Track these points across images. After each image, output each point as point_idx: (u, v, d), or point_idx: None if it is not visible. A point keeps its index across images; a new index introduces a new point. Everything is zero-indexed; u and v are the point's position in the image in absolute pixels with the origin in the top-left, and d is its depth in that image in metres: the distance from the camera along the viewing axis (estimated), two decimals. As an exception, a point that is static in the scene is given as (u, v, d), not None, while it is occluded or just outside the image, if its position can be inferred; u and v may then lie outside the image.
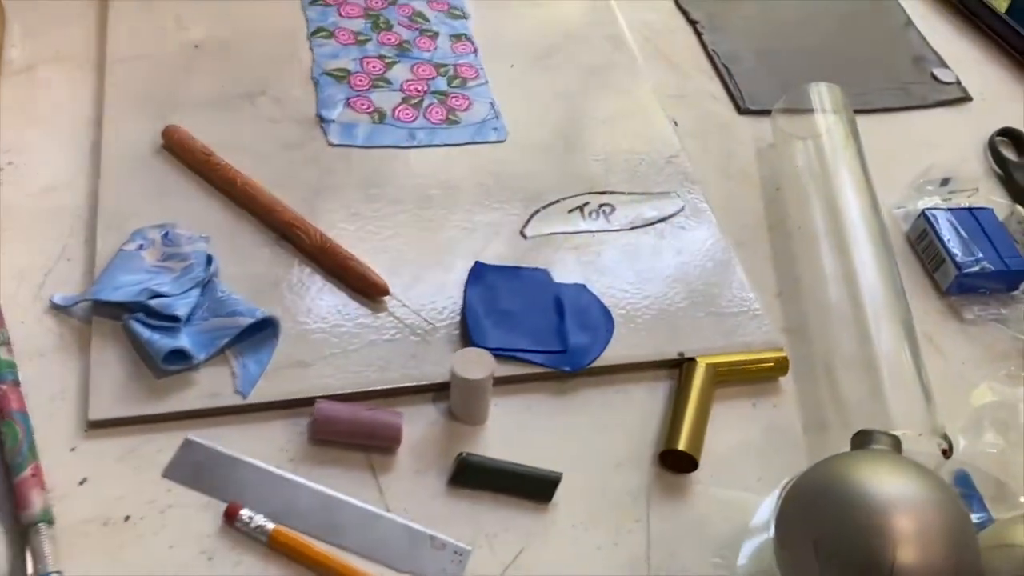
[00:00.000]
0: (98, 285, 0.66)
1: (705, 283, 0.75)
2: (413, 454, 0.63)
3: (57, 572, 0.54)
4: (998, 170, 0.93)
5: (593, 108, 0.89)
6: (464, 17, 0.95)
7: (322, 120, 0.82)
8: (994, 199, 0.87)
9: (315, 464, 0.62)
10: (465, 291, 0.71)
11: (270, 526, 0.57)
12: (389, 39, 0.90)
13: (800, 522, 0.53)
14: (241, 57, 0.86)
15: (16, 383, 0.62)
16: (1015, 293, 0.80)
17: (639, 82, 0.93)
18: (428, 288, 0.71)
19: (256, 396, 0.63)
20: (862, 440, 0.59)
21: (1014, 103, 1.01)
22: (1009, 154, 0.94)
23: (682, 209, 0.81)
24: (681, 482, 0.64)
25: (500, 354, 0.67)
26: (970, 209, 0.83)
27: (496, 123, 0.85)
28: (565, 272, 0.74)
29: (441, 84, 0.87)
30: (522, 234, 0.77)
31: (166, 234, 0.69)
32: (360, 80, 0.86)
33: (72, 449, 0.60)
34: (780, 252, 0.81)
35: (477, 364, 0.62)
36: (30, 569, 0.54)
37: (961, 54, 1.06)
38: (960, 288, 0.79)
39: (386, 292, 0.69)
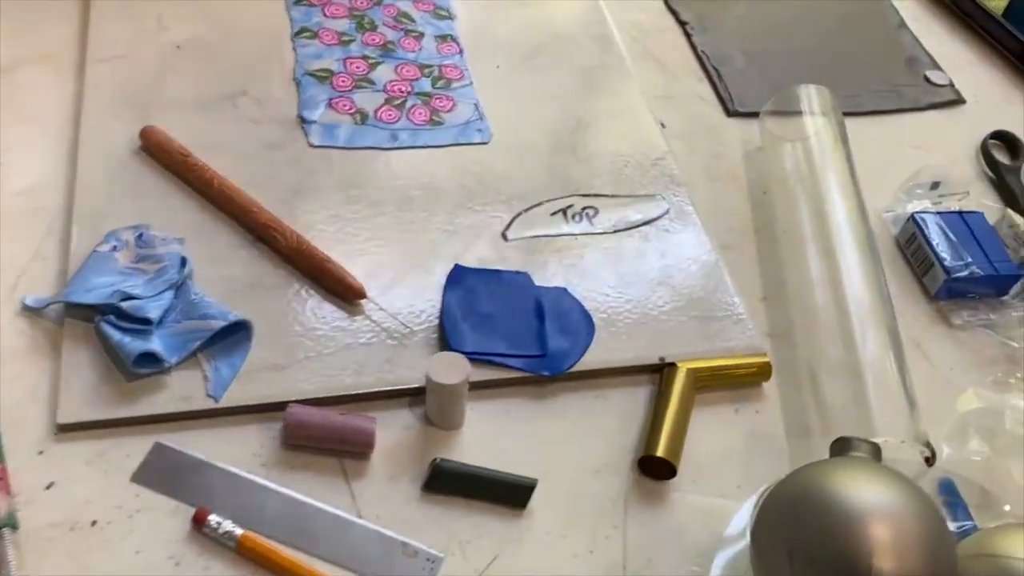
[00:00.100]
0: (70, 287, 0.65)
1: (689, 287, 0.74)
2: (387, 459, 0.62)
3: (20, 578, 0.53)
4: (990, 173, 0.91)
5: (579, 109, 0.88)
6: (450, 18, 0.95)
7: (303, 121, 0.81)
8: (985, 203, 0.86)
9: (287, 469, 0.61)
10: (444, 294, 0.70)
11: (238, 532, 0.56)
12: (373, 39, 0.90)
13: (775, 531, 0.52)
14: (223, 57, 0.86)
15: (-15, 386, 0.61)
16: (1005, 298, 0.79)
17: (627, 83, 0.92)
18: (407, 291, 0.71)
19: (228, 400, 0.62)
20: (841, 447, 0.58)
21: (1008, 106, 1.00)
22: (1002, 157, 0.93)
23: (667, 212, 0.80)
24: (660, 489, 0.63)
25: (478, 358, 0.66)
26: (960, 213, 0.82)
27: (480, 124, 0.84)
28: (547, 275, 0.74)
29: (425, 85, 0.86)
30: (504, 237, 0.76)
31: (140, 235, 0.69)
32: (343, 81, 0.85)
33: (40, 452, 0.59)
34: (766, 256, 0.80)
35: (452, 368, 0.62)
36: (-7, 574, 0.53)
37: (955, 56, 1.05)
38: (949, 293, 0.78)
39: (363, 295, 0.68)
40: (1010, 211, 0.83)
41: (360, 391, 0.64)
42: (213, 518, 0.57)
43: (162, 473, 0.59)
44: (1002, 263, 0.78)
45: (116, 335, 0.62)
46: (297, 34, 0.89)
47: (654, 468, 0.64)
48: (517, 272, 0.73)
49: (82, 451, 0.60)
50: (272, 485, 0.60)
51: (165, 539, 0.57)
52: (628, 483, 0.63)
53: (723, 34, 1.01)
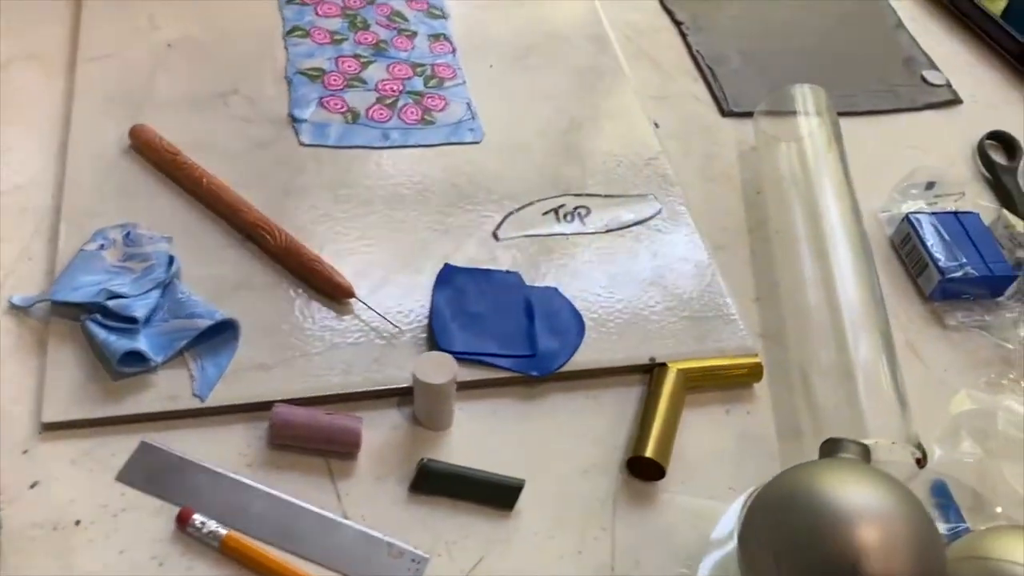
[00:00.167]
0: (57, 285, 0.65)
1: (681, 287, 0.74)
2: (374, 460, 0.62)
3: (2, 577, 0.53)
4: (987, 174, 0.91)
5: (573, 109, 0.88)
6: (443, 17, 0.94)
7: (294, 120, 0.81)
8: (981, 203, 0.86)
9: (273, 469, 0.61)
10: (433, 294, 0.70)
11: (222, 532, 0.56)
12: (366, 38, 0.89)
13: (762, 532, 0.52)
14: (214, 56, 0.86)
15: (-30, 384, 0.61)
16: (1000, 300, 0.78)
17: (621, 83, 0.91)
18: (396, 291, 0.70)
19: (215, 399, 0.62)
20: (830, 448, 0.57)
21: (1005, 106, 0.99)
22: (998, 158, 0.92)
23: (659, 212, 0.80)
24: (649, 490, 0.63)
25: (467, 358, 0.66)
26: (955, 213, 0.82)
27: (472, 124, 0.84)
28: (538, 275, 0.73)
29: (417, 84, 0.86)
30: (495, 236, 0.76)
31: (128, 234, 0.68)
32: (334, 79, 0.85)
33: (25, 452, 0.59)
34: (759, 256, 0.79)
35: (439, 368, 0.61)
36: (-25, 574, 0.53)
37: (953, 57, 1.05)
38: (943, 294, 0.77)
39: (351, 294, 0.68)
40: (1006, 212, 0.83)
41: (348, 391, 0.64)
42: (197, 518, 0.56)
43: (147, 472, 0.59)
44: (997, 264, 0.77)
45: (102, 334, 0.62)
46: (289, 33, 0.89)
47: (643, 469, 0.63)
48: (507, 272, 0.73)
49: (67, 450, 0.60)
50: (257, 485, 0.59)
51: (149, 539, 0.56)
52: (617, 484, 0.63)
53: (718, 34, 1.00)
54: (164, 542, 0.56)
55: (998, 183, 0.89)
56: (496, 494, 0.61)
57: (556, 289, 0.72)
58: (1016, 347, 0.75)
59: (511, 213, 0.77)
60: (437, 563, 0.58)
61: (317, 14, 0.91)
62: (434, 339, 0.67)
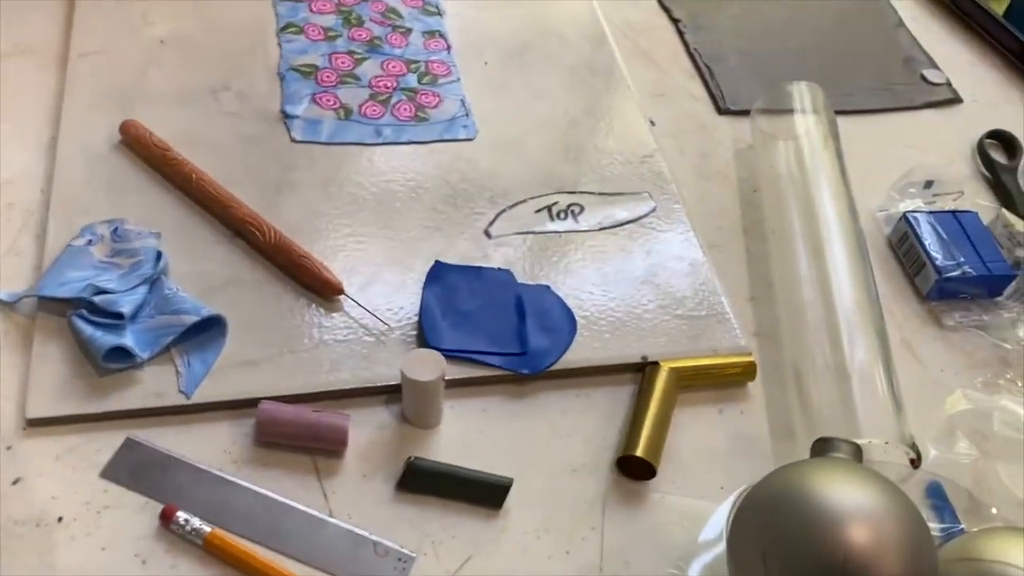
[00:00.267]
0: (44, 281, 0.64)
1: (674, 286, 0.73)
2: (361, 458, 0.61)
3: (-19, 574, 0.52)
4: (986, 173, 0.90)
5: (568, 106, 0.87)
6: (439, 14, 0.94)
7: (286, 116, 0.80)
8: (980, 202, 0.85)
9: (259, 466, 0.60)
10: (423, 291, 0.69)
11: (206, 529, 0.55)
12: (360, 35, 0.89)
13: (750, 532, 0.51)
14: (207, 52, 0.85)
15: (-45, 380, 0.60)
16: (998, 299, 0.77)
17: (617, 81, 0.91)
18: (386, 288, 0.70)
19: (201, 396, 0.61)
20: (822, 448, 0.57)
21: (1006, 105, 0.98)
22: (998, 157, 0.91)
23: (654, 210, 0.79)
24: (639, 489, 0.62)
25: (457, 356, 0.65)
26: (954, 212, 0.81)
27: (466, 121, 0.83)
28: (529, 273, 0.72)
29: (411, 80, 0.86)
30: (487, 234, 0.75)
31: (115, 230, 0.68)
32: (328, 76, 0.84)
33: (8, 448, 0.59)
34: (754, 255, 0.79)
35: (427, 365, 0.61)
36: (-46, 570, 0.52)
37: (954, 56, 1.04)
38: (941, 293, 0.76)
39: (340, 291, 0.67)
40: (1005, 211, 0.82)
41: (335, 388, 0.63)
42: (181, 515, 0.56)
43: (132, 469, 0.59)
44: (996, 263, 0.76)
45: (88, 329, 0.61)
46: (283, 29, 0.88)
47: (633, 468, 0.62)
48: (499, 269, 0.72)
49: (51, 446, 0.59)
50: (243, 482, 0.59)
51: (132, 536, 0.56)
52: (607, 483, 0.62)
53: (716, 32, 1.00)
54: (148, 539, 0.56)
55: (998, 182, 0.88)
56: (484, 493, 0.60)
57: (548, 287, 0.72)
58: (1014, 347, 0.74)
59: (504, 210, 0.77)
60: (424, 562, 0.57)
61: (311, 10, 0.90)
62: (424, 336, 0.66)
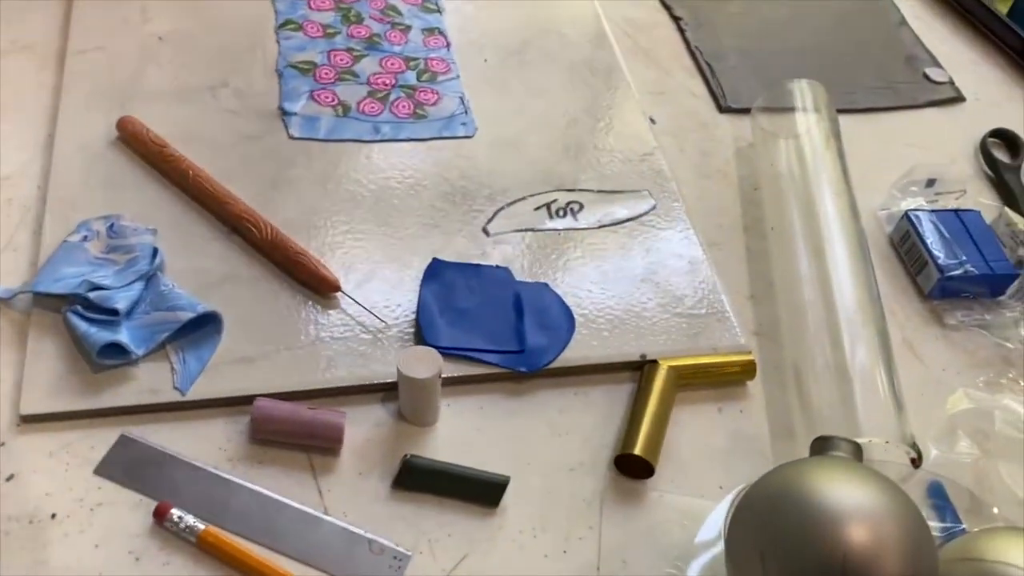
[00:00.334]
0: (39, 277, 0.64)
1: (674, 284, 0.73)
2: (357, 456, 0.61)
3: (-27, 571, 0.52)
4: (989, 172, 0.89)
5: (567, 104, 0.87)
6: (438, 11, 0.93)
7: (284, 113, 0.80)
8: (983, 201, 0.84)
9: (254, 464, 0.60)
10: (421, 288, 0.69)
11: (200, 526, 0.55)
12: (359, 32, 0.89)
13: (748, 531, 0.51)
14: (205, 49, 0.85)
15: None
16: (1001, 298, 0.76)
17: (617, 78, 0.90)
18: (383, 285, 0.69)
19: (196, 393, 0.61)
20: (821, 446, 0.56)
21: (1009, 104, 0.98)
22: (1001, 156, 0.91)
23: (654, 208, 0.79)
24: (637, 488, 0.62)
25: (454, 353, 0.65)
26: (956, 211, 0.80)
27: (465, 118, 0.83)
28: (528, 271, 0.72)
29: (410, 78, 0.85)
30: (485, 231, 0.74)
31: (111, 226, 0.68)
32: (326, 73, 0.84)
33: (2, 444, 0.58)
34: (755, 254, 0.78)
35: (424, 362, 0.60)
36: (-54, 567, 0.52)
37: (956, 54, 1.03)
38: (943, 292, 0.76)
39: (337, 288, 0.67)
40: (1008, 210, 0.81)
41: (332, 385, 0.63)
42: (175, 512, 0.55)
43: (126, 466, 0.58)
44: (998, 262, 0.76)
45: (82, 325, 0.61)
46: (281, 26, 0.88)
47: (631, 467, 0.62)
48: (497, 267, 0.72)
49: (45, 443, 0.59)
50: (238, 480, 0.58)
51: (126, 533, 0.55)
52: (604, 482, 0.62)
53: (718, 30, 0.99)
54: (141, 537, 0.55)
55: (1000, 181, 0.88)
56: (481, 491, 0.60)
57: (546, 285, 0.71)
58: (1016, 347, 0.73)
59: (502, 208, 0.76)
60: (419, 560, 0.56)
61: (310, 7, 0.90)
62: (421, 334, 0.66)
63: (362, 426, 0.62)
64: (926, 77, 0.98)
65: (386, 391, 0.64)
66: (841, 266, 0.72)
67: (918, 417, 0.64)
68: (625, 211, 0.78)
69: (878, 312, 0.70)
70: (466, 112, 0.83)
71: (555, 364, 0.66)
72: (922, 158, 0.87)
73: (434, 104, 0.83)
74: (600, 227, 0.76)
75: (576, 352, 0.67)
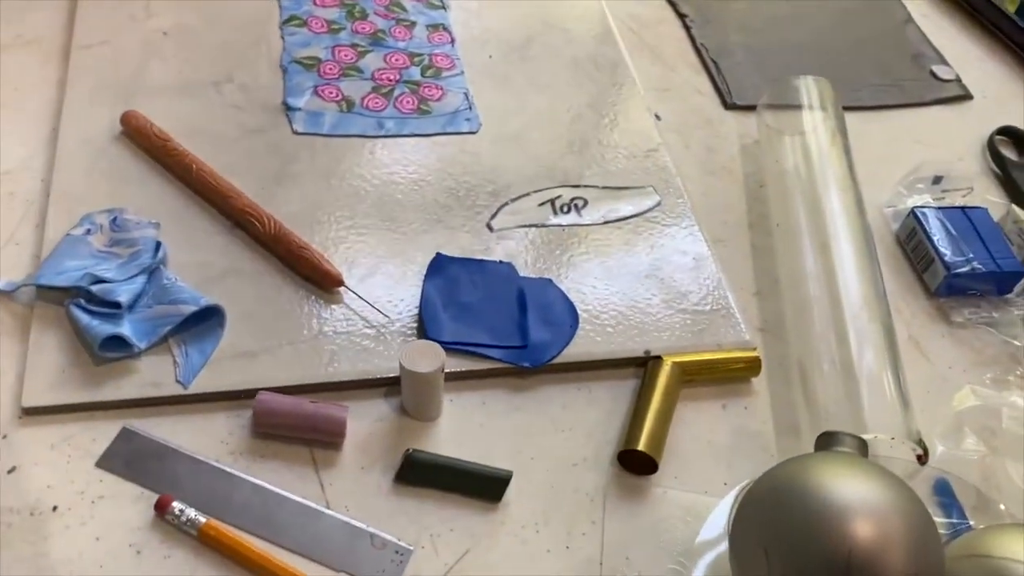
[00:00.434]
0: (42, 270, 0.64)
1: (678, 280, 0.72)
2: (359, 450, 0.61)
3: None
4: (996, 169, 0.89)
5: (572, 100, 0.86)
6: (443, 7, 0.93)
7: (288, 108, 0.80)
8: (990, 199, 0.84)
9: (256, 458, 0.59)
10: (424, 283, 0.69)
11: (201, 520, 0.55)
12: (363, 28, 0.88)
13: (752, 526, 0.50)
14: (209, 44, 0.85)
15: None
16: (1008, 296, 0.76)
17: (622, 75, 0.90)
18: (386, 280, 0.69)
19: (198, 386, 0.61)
20: (826, 442, 0.56)
21: (1016, 101, 0.97)
22: (1009, 153, 0.90)
23: (658, 204, 0.78)
24: (641, 484, 0.61)
25: (457, 348, 0.65)
26: (963, 208, 0.80)
27: (469, 114, 0.82)
28: (531, 266, 0.72)
29: (414, 73, 0.85)
30: (489, 227, 0.74)
31: (115, 219, 0.67)
32: (330, 68, 0.84)
33: (4, 436, 0.58)
34: (760, 250, 0.78)
35: (427, 357, 0.60)
36: (-53, 559, 0.52)
37: (964, 52, 1.03)
38: (949, 289, 0.75)
39: (340, 283, 0.67)
40: (1015, 207, 0.81)
41: (334, 380, 0.63)
42: (176, 505, 0.55)
43: (127, 459, 0.58)
44: (1005, 260, 0.75)
45: (85, 318, 0.61)
46: (286, 22, 0.88)
47: (635, 463, 0.62)
48: (500, 262, 0.71)
49: (47, 435, 0.59)
50: (239, 473, 0.58)
51: (127, 526, 0.55)
52: (608, 478, 0.61)
53: (723, 27, 0.99)
54: (142, 530, 0.55)
55: (1008, 179, 0.87)
56: (483, 486, 0.59)
57: (550, 280, 0.71)
58: (1024, 344, 0.73)
59: (506, 204, 0.76)
60: (421, 555, 0.56)
61: (315, 3, 0.90)
62: (424, 329, 0.66)
63: (364, 420, 0.62)
64: (933, 75, 0.98)
65: (389, 386, 0.64)
66: (847, 263, 0.71)
67: (924, 414, 0.64)
68: (630, 207, 0.78)
69: (884, 309, 0.69)
70: (470, 108, 0.83)
71: (558, 360, 0.66)
72: (929, 155, 0.87)
73: (438, 100, 0.83)
74: (604, 223, 0.76)
75: (580, 348, 0.67)
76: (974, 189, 0.84)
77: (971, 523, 0.59)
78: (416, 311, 0.67)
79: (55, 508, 0.55)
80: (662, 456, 0.62)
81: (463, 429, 0.63)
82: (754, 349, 0.69)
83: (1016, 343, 0.73)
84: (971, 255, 0.75)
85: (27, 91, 0.79)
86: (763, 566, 0.48)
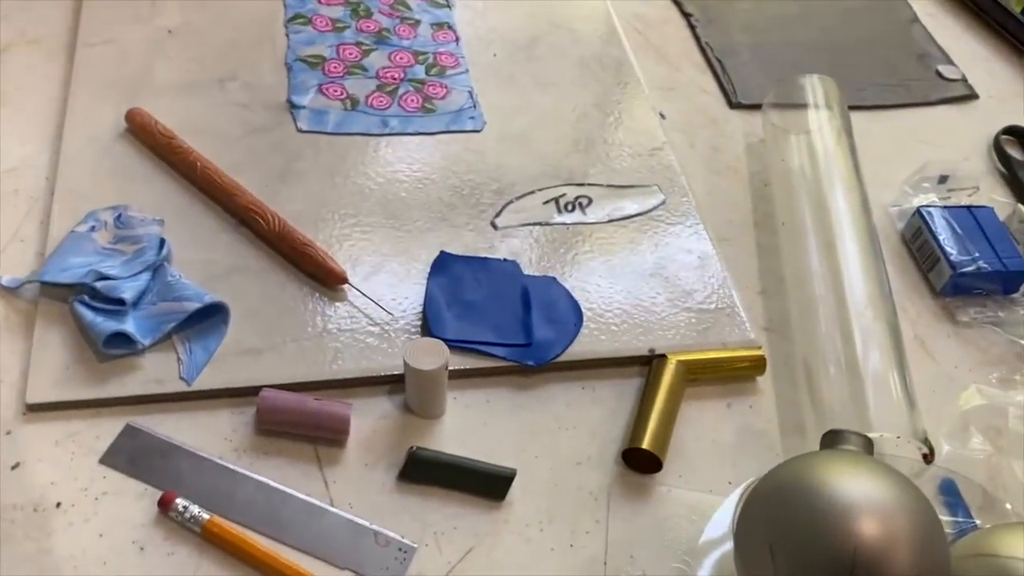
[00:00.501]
0: (46, 267, 0.64)
1: (683, 279, 0.72)
2: (363, 447, 0.60)
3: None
4: (1002, 169, 0.88)
5: (576, 99, 0.86)
6: (448, 6, 0.93)
7: (292, 106, 0.80)
8: (996, 198, 0.84)
9: (260, 455, 0.59)
10: (428, 281, 0.69)
11: (205, 516, 0.55)
12: (368, 26, 0.88)
13: (757, 524, 0.50)
14: (214, 42, 0.85)
15: (-44, 364, 0.60)
16: (1014, 296, 0.75)
17: (627, 74, 0.90)
18: (391, 278, 0.69)
19: (202, 383, 0.61)
20: (832, 440, 0.55)
21: (1022, 101, 0.97)
22: (1015, 153, 0.90)
23: (663, 203, 0.78)
24: (645, 483, 0.61)
25: (461, 346, 0.65)
26: (969, 208, 0.79)
27: (473, 112, 0.82)
28: (536, 264, 0.72)
29: (419, 72, 0.85)
30: (493, 225, 0.74)
31: (119, 216, 0.67)
32: (335, 67, 0.84)
33: (8, 433, 0.58)
34: (765, 249, 0.77)
35: (430, 354, 0.60)
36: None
37: (970, 52, 1.02)
38: (955, 289, 0.75)
39: (344, 280, 0.67)
40: (1021, 207, 0.80)
41: (338, 377, 0.63)
42: (180, 502, 0.55)
43: (131, 455, 0.58)
44: (1011, 259, 0.75)
45: (89, 315, 0.61)
46: (291, 20, 0.88)
47: (639, 461, 0.61)
48: (504, 260, 0.71)
49: (51, 432, 0.59)
50: (243, 470, 0.58)
51: (130, 523, 0.55)
52: (612, 476, 0.61)
53: (728, 26, 0.99)
54: (146, 526, 0.55)
55: (1014, 178, 0.87)
56: (487, 484, 0.59)
57: (554, 279, 0.71)
58: (1030, 344, 0.73)
59: (511, 202, 0.76)
60: (424, 553, 0.56)
61: (319, 2, 0.90)
62: (428, 326, 0.66)
63: (368, 418, 0.62)
64: (938, 74, 0.98)
65: (392, 383, 0.63)
66: (852, 262, 0.71)
67: (930, 413, 0.64)
68: (634, 206, 0.78)
69: (889, 308, 0.69)
70: (475, 106, 0.83)
71: (563, 358, 0.66)
72: (934, 155, 0.87)
73: (443, 98, 0.83)
74: (609, 221, 0.76)
75: (584, 346, 0.67)
76: (980, 188, 0.84)
77: (977, 522, 0.59)
78: (420, 309, 0.67)
79: (59, 504, 0.55)
80: (666, 455, 0.61)
81: (467, 427, 0.62)
82: (759, 348, 0.68)
83: (1022, 343, 0.72)
84: (977, 254, 0.75)
85: (32, 89, 0.80)
86: (768, 565, 0.48)
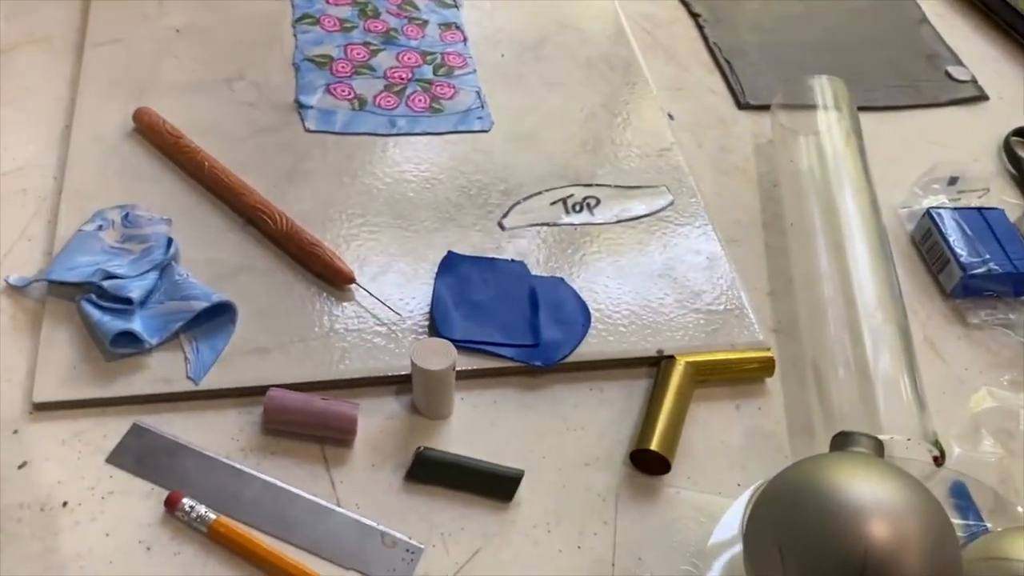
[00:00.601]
0: (53, 265, 0.64)
1: (691, 280, 0.72)
2: (370, 447, 0.60)
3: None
4: (1012, 170, 0.88)
5: (584, 99, 0.86)
6: (455, 6, 0.93)
7: (300, 106, 0.80)
8: (1006, 199, 0.83)
9: (266, 455, 0.59)
10: (435, 281, 0.68)
11: (211, 516, 0.55)
12: (376, 26, 0.88)
13: (767, 526, 0.50)
14: (222, 42, 0.85)
15: (-37, 363, 0.60)
16: (1025, 297, 0.75)
17: (635, 74, 0.89)
18: (398, 278, 0.69)
19: (209, 383, 0.61)
20: (842, 442, 0.55)
21: (1033, 102, 0.96)
22: (1025, 154, 0.89)
23: (671, 203, 0.78)
24: (654, 484, 0.61)
25: (469, 346, 0.64)
26: (979, 209, 0.79)
27: (481, 112, 0.82)
28: (543, 265, 0.71)
29: (427, 72, 0.85)
30: (501, 225, 0.74)
31: (126, 215, 0.67)
32: (342, 67, 0.84)
33: (15, 432, 0.58)
34: (774, 250, 0.77)
35: (438, 355, 0.59)
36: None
37: (979, 52, 1.02)
38: (965, 291, 0.75)
39: (352, 280, 0.67)
40: (1032, 208, 0.80)
41: (345, 377, 0.62)
42: (186, 501, 0.55)
43: (138, 455, 0.58)
44: (1022, 261, 0.74)
45: (96, 314, 0.61)
46: (298, 20, 0.88)
47: (648, 463, 0.61)
48: (512, 260, 0.71)
49: (58, 431, 0.58)
50: (250, 470, 0.58)
51: (137, 522, 0.55)
52: (620, 478, 0.61)
53: (737, 27, 0.98)
54: (152, 526, 0.55)
55: (1024, 180, 0.86)
56: (494, 485, 0.59)
57: (562, 279, 0.70)
58: (1041, 346, 0.72)
59: (518, 202, 0.76)
60: (432, 554, 0.56)
61: (327, 2, 0.90)
62: (435, 327, 0.65)
63: (375, 418, 0.62)
64: (948, 75, 0.97)
65: (400, 383, 0.63)
66: (861, 263, 0.71)
67: (940, 416, 0.63)
68: (642, 206, 0.77)
69: (899, 310, 0.68)
70: (482, 106, 0.83)
71: (570, 359, 0.65)
72: (944, 156, 0.86)
73: (450, 98, 0.83)
74: (617, 222, 0.76)
75: (592, 347, 0.66)
76: (990, 190, 0.83)
77: (988, 526, 0.59)
78: (427, 309, 0.67)
79: (65, 504, 0.55)
80: (675, 456, 0.61)
81: (474, 428, 0.62)
82: (768, 349, 0.68)
83: (1033, 345, 0.72)
84: (987, 256, 0.74)
85: (39, 88, 0.80)
86: (778, 567, 0.48)
